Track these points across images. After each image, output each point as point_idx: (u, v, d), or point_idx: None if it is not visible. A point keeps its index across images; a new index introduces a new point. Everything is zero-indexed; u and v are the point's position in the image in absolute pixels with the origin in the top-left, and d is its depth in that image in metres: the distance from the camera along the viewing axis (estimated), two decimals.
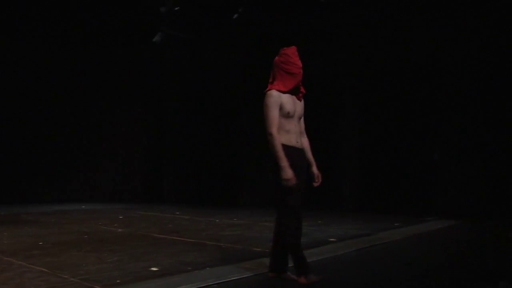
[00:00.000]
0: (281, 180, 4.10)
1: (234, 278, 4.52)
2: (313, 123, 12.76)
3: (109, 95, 15.87)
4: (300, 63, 4.34)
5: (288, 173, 4.08)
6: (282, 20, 12.19)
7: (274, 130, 4.18)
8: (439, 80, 10.25)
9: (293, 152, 4.24)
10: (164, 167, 15.72)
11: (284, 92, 4.27)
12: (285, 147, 4.19)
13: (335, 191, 11.52)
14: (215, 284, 4.32)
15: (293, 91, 4.35)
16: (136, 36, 14.00)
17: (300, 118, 4.46)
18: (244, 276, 4.62)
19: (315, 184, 4.52)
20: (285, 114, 4.25)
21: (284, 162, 4.10)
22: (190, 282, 4.35)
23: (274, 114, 4.21)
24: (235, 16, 11.64)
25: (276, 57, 4.41)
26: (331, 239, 6.97)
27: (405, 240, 6.99)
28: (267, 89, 4.34)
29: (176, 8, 11.83)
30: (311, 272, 4.25)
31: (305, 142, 4.52)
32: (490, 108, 9.81)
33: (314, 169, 4.53)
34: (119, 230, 8.37)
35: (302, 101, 4.47)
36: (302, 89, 4.43)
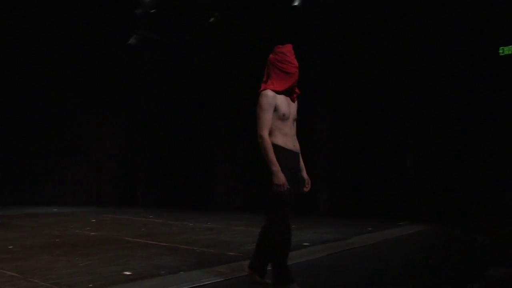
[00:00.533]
0: (272, 185, 3.87)
1: (207, 282, 4.51)
2: None
3: (82, 98, 15.68)
4: (296, 62, 4.12)
5: (280, 178, 3.85)
6: (259, 24, 12.25)
7: (265, 132, 3.93)
8: (411, 87, 10.40)
9: (291, 156, 4.06)
10: (138, 170, 15.61)
11: (279, 93, 4.02)
12: (283, 150, 3.98)
13: (309, 196, 11.56)
14: None
15: (288, 92, 4.10)
16: (112, 38, 13.89)
17: (294, 120, 4.21)
18: (218, 280, 4.61)
19: (306, 190, 4.37)
20: (280, 116, 4.00)
21: (276, 166, 3.86)
22: (163, 286, 4.34)
23: (267, 116, 3.95)
24: (211, 19, 11.64)
25: (271, 55, 4.18)
26: (305, 244, 7.01)
27: (377, 245, 7.07)
28: (261, 88, 4.09)
29: (152, 11, 11.78)
30: (292, 283, 4.03)
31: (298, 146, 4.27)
32: (459, 115, 10.01)
33: (304, 174, 4.36)
34: (92, 233, 8.28)
35: (296, 103, 4.24)
36: (297, 90, 4.21)
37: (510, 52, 9.35)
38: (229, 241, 7.28)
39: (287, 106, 4.06)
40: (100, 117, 15.96)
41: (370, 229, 8.63)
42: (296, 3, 9.63)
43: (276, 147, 3.96)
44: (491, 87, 9.69)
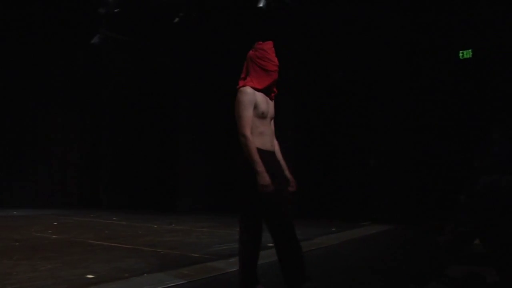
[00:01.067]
0: (258, 186, 3.64)
1: (171, 285, 4.49)
2: None
3: (45, 98, 15.39)
4: (276, 60, 3.95)
5: (265, 178, 3.63)
6: (222, 25, 12.26)
7: (247, 131, 3.72)
8: (375, 90, 10.56)
9: (268, 157, 3.83)
10: (101, 172, 15.39)
11: (258, 90, 3.84)
12: (260, 152, 3.74)
13: None
14: None
15: (267, 90, 3.93)
16: (74, 37, 13.67)
17: (271, 120, 4.04)
18: (182, 282, 4.59)
19: (291, 189, 4.11)
20: (259, 114, 3.81)
21: (261, 167, 3.65)
22: None
23: (248, 113, 3.74)
24: (176, 20, 11.58)
25: (251, 52, 3.99)
26: (269, 244, 7.01)
27: (340, 245, 7.16)
28: (240, 85, 3.90)
29: (115, 10, 11.65)
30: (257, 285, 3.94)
31: (276, 145, 4.11)
32: (421, 117, 10.21)
33: (287, 173, 4.12)
34: (53, 236, 8.12)
35: (273, 102, 4.07)
36: (275, 89, 4.06)
37: (469, 56, 9.60)
38: (194, 243, 7.26)
39: (266, 104, 3.90)
40: (63, 117, 15.68)
41: (333, 229, 8.73)
42: (261, 5, 9.65)
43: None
44: (451, 90, 9.92)
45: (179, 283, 4.56)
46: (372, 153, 10.54)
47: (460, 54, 9.68)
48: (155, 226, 9.52)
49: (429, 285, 4.51)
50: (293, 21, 11.36)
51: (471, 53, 9.60)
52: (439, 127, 10.05)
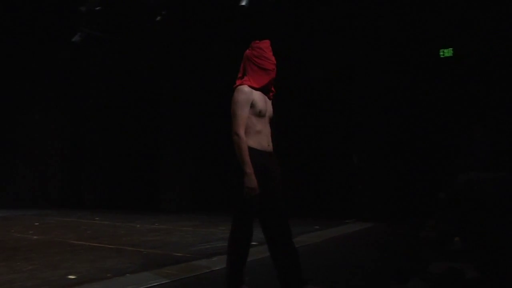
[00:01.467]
0: (243, 187, 3.64)
1: (154, 284, 4.47)
2: (228, 129, 12.92)
3: (25, 97, 15.22)
4: (274, 59, 3.93)
5: (252, 181, 3.61)
6: (204, 24, 12.23)
7: (241, 131, 3.69)
8: (358, 88, 10.61)
9: (263, 157, 3.80)
10: (83, 172, 15.27)
11: (255, 89, 3.81)
12: (255, 151, 3.73)
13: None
14: None
15: (265, 89, 3.91)
16: (54, 35, 13.53)
17: (269, 119, 4.02)
18: (165, 281, 4.58)
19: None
20: (257, 113, 3.78)
21: (249, 169, 3.62)
22: None
23: (243, 113, 3.71)
24: (158, 18, 11.52)
25: (248, 50, 3.96)
26: (253, 243, 7.03)
27: (324, 243, 7.19)
28: (237, 84, 3.87)
29: (97, 8, 11.55)
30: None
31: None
32: (404, 115, 10.30)
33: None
34: (35, 237, 8.04)
35: (271, 101, 4.06)
36: (273, 88, 4.03)
37: (450, 55, 9.70)
38: (177, 242, 7.24)
39: (264, 103, 3.87)
40: (44, 117, 15.52)
41: (317, 227, 8.76)
42: (243, 3, 9.64)
43: (249, 149, 3.71)
44: (433, 88, 10.02)
45: (162, 282, 4.55)
46: (356, 152, 10.60)
47: (441, 53, 9.78)
48: (138, 226, 9.47)
49: (411, 281, 4.55)
50: (275, 19, 11.37)
51: (452, 52, 9.70)
52: (421, 125, 10.15)
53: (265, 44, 3.95)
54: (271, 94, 4.03)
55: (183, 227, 9.15)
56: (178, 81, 13.17)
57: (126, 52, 13.89)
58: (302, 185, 11.33)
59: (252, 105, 3.75)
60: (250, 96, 3.75)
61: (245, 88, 3.77)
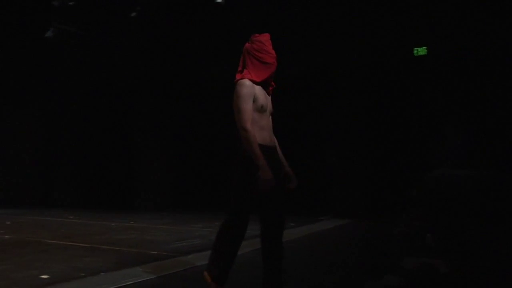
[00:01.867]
0: (259, 181, 3.50)
1: (129, 283, 4.45)
2: (204, 126, 12.90)
3: None
4: (274, 53, 3.84)
5: (268, 173, 3.48)
6: (178, 21, 12.19)
7: (248, 124, 3.57)
8: (333, 86, 10.69)
9: (268, 152, 3.68)
10: (56, 169, 15.04)
11: (256, 83, 3.71)
12: (260, 147, 3.60)
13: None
14: None
15: (265, 83, 3.81)
16: (27, 31, 13.30)
17: (270, 114, 3.92)
18: (140, 280, 4.56)
19: (291, 186, 3.97)
20: (258, 108, 3.68)
21: (263, 161, 3.50)
22: None
23: (248, 107, 3.60)
24: (133, 14, 11.43)
25: (248, 44, 3.85)
26: None
27: (299, 239, 7.24)
28: (237, 78, 3.77)
29: (70, 3, 11.40)
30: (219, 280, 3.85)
31: (275, 141, 3.97)
32: (378, 114, 10.41)
33: (288, 169, 3.98)
34: (6, 236, 7.89)
35: (270, 96, 3.96)
36: (273, 83, 3.94)
37: (424, 53, 9.84)
38: (152, 240, 7.21)
39: (265, 97, 3.78)
40: (15, 114, 15.24)
41: (292, 224, 8.81)
42: (219, 0, 9.63)
43: None
44: (407, 86, 10.15)
45: (137, 281, 4.53)
46: (330, 150, 10.68)
47: (415, 51, 9.91)
48: (113, 224, 9.39)
49: (385, 277, 4.61)
50: (251, 15, 11.38)
51: (425, 51, 9.83)
52: (394, 123, 10.28)
53: (265, 37, 3.86)
54: (270, 88, 3.94)
55: (158, 225, 9.10)
56: (154, 79, 13.09)
57: (101, 48, 13.73)
58: None
59: (254, 100, 3.66)
60: (252, 90, 3.65)
61: (247, 82, 3.67)
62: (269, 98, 3.91)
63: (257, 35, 3.86)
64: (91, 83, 14.36)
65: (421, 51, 9.82)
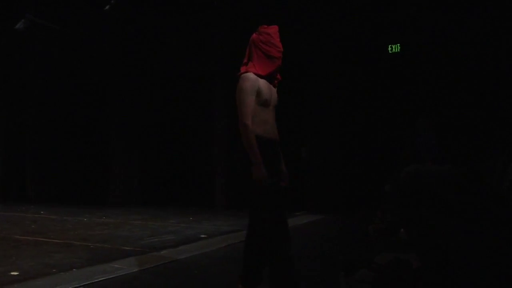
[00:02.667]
0: (253, 179, 3.44)
1: (102, 279, 4.40)
2: (182, 123, 12.83)
3: None
4: (281, 46, 3.70)
5: (261, 171, 3.42)
6: (152, 14, 12.10)
7: (249, 120, 3.49)
8: (308, 83, 10.72)
9: (271, 146, 3.61)
10: (27, 164, 14.79)
11: (261, 77, 3.60)
12: (263, 140, 3.54)
13: (207, 189, 11.66)
14: (81, 286, 4.18)
15: (270, 77, 3.69)
16: None
17: (274, 108, 3.79)
18: (112, 276, 4.51)
19: (283, 184, 3.79)
20: (262, 102, 3.58)
21: (258, 158, 3.43)
22: (54, 285, 4.17)
23: (249, 101, 3.51)
24: (107, 7, 11.29)
25: (255, 35, 3.71)
26: (202, 236, 7.05)
27: None
28: (241, 71, 3.66)
29: None
30: None
31: (277, 135, 3.83)
32: (353, 109, 10.48)
33: (283, 167, 3.84)
34: None
35: (275, 89, 3.83)
36: (279, 76, 3.82)
37: (398, 50, 9.94)
38: (126, 236, 7.14)
39: (269, 91, 3.66)
40: None
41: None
42: None
43: (257, 138, 3.51)
44: (380, 83, 10.24)
45: (110, 277, 4.48)
46: (305, 145, 10.72)
47: (389, 48, 10.00)
48: (85, 220, 9.28)
49: (359, 272, 4.63)
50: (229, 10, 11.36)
51: (399, 47, 9.93)
52: (368, 119, 10.36)
53: (273, 30, 3.73)
54: (276, 82, 3.80)
55: (132, 220, 9.03)
56: (126, 73, 12.95)
57: (73, 41, 13.53)
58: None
59: (258, 94, 3.55)
60: (256, 83, 3.55)
61: (251, 75, 3.56)
62: (274, 90, 3.79)
63: (265, 26, 3.74)
64: (63, 77, 14.15)
65: (395, 48, 9.92)
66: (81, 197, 13.55)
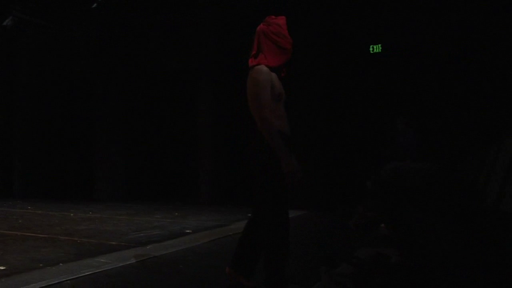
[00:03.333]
0: (284, 173, 3.27)
1: (88, 273, 4.49)
2: (167, 119, 12.90)
3: None
4: (291, 38, 3.55)
5: (292, 164, 3.26)
6: (139, 12, 12.14)
7: (268, 113, 3.31)
8: (291, 81, 10.80)
9: (287, 143, 3.43)
10: (14, 159, 14.76)
11: (271, 69, 3.45)
12: (281, 135, 3.37)
13: (191, 185, 11.76)
14: (67, 280, 4.26)
15: (278, 69, 3.53)
16: None
17: (284, 102, 3.63)
18: (98, 270, 4.60)
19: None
20: (276, 96, 3.41)
21: (285, 151, 3.26)
22: (41, 280, 4.24)
23: (266, 94, 3.33)
24: (94, 5, 11.31)
25: (263, 26, 3.54)
26: (187, 231, 7.16)
27: None
28: (251, 63, 3.50)
29: None
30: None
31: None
32: (336, 108, 10.62)
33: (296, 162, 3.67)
34: None
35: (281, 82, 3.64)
36: (285, 69, 3.65)
37: (379, 50, 10.09)
38: (112, 231, 7.24)
39: (280, 85, 3.50)
40: None
41: (250, 215, 8.92)
42: None
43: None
44: (362, 83, 10.39)
45: (96, 271, 4.57)
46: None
47: (371, 49, 10.15)
48: (72, 215, 9.34)
49: (340, 267, 4.77)
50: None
51: (380, 48, 10.08)
52: (350, 117, 10.50)
53: (282, 21, 3.57)
54: (282, 75, 3.61)
55: (117, 216, 9.11)
56: (113, 70, 12.97)
57: (60, 38, 13.52)
58: (235, 174, 11.49)
59: (272, 87, 3.39)
60: (269, 76, 3.39)
61: (264, 68, 3.40)
62: (281, 84, 3.59)
63: (273, 17, 3.58)
64: (50, 73, 14.13)
65: (376, 48, 10.06)
66: (68, 192, 13.57)
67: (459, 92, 9.34)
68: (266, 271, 3.46)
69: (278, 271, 3.44)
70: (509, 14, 8.53)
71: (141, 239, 6.41)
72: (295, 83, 10.68)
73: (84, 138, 13.72)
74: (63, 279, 4.27)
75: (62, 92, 14.13)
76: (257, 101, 3.35)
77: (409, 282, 4.40)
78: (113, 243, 6.14)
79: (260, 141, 3.40)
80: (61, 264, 4.91)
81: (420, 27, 9.58)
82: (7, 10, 11.83)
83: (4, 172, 14.81)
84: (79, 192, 13.38)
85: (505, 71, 8.54)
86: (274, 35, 3.47)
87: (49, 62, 14.03)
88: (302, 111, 10.50)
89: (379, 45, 10.05)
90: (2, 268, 4.77)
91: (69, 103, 14.10)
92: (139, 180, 13.05)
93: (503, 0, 8.68)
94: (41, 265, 4.88)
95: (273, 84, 3.40)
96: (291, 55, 3.56)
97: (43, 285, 4.09)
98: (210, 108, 11.63)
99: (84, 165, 13.64)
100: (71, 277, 4.33)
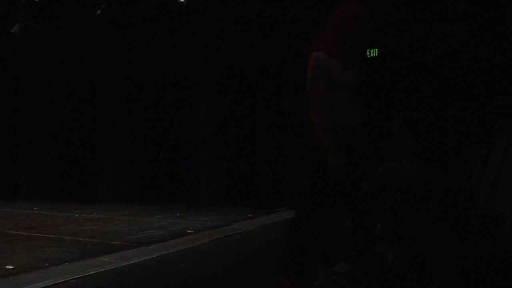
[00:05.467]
0: (329, 168, 3.15)
1: (92, 272, 4.62)
2: (169, 121, 13.03)
3: None
4: (364, 28, 3.26)
5: (337, 158, 3.15)
6: (142, 17, 12.29)
7: (321, 104, 3.19)
8: (286, 82, 10.92)
9: (344, 133, 3.26)
10: (21, 160, 14.93)
11: (331, 55, 3.21)
12: (334, 128, 3.21)
13: (192, 186, 11.89)
14: (73, 279, 4.39)
15: (347, 57, 3.29)
16: None
17: (351, 90, 3.39)
18: (102, 270, 4.73)
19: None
20: (333, 84, 3.20)
21: (334, 146, 3.15)
22: (47, 279, 4.36)
23: (321, 85, 3.18)
24: (98, 11, 11.46)
25: (341, 11, 3.26)
26: (188, 231, 7.28)
27: (256, 230, 7.50)
28: (314, 46, 3.29)
29: None
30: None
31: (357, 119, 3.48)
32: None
33: (364, 154, 3.56)
34: None
35: (353, 68, 3.39)
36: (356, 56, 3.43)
37: (375, 55, 10.20)
38: (115, 231, 7.37)
39: (343, 72, 3.24)
40: None
41: (250, 215, 9.06)
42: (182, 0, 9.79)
43: (327, 128, 3.21)
44: (359, 87, 10.50)
45: (100, 270, 4.70)
46: (286, 143, 10.95)
47: (367, 53, 10.27)
48: (76, 215, 9.49)
49: (337, 265, 4.89)
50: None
51: (376, 52, 10.19)
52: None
53: (368, 10, 3.25)
54: (355, 60, 3.35)
55: (120, 216, 9.24)
56: (116, 72, 13.13)
57: (63, 42, 13.67)
58: (236, 174, 11.63)
59: (329, 76, 3.16)
60: (326, 64, 3.15)
61: (321, 55, 3.17)
62: (351, 72, 3.32)
63: (356, 4, 3.27)
64: (55, 77, 14.29)
65: (373, 52, 10.18)
66: (72, 193, 13.73)
67: (452, 94, 9.45)
68: (284, 259, 3.51)
69: (295, 262, 3.50)
70: (498, 26, 8.64)
71: (143, 239, 6.53)
72: (291, 85, 10.77)
73: (88, 140, 13.88)
74: (69, 278, 4.40)
75: (67, 95, 14.30)
76: (311, 90, 3.20)
77: (404, 280, 4.54)
78: (116, 243, 6.27)
79: (309, 133, 3.30)
80: (66, 263, 5.05)
81: (416, 31, 9.69)
82: (15, 17, 11.99)
83: (11, 174, 14.98)
84: (83, 193, 13.54)
85: (496, 73, 8.65)
86: (351, 20, 3.18)
87: (54, 66, 14.19)
88: (300, 113, 10.61)
89: (375, 49, 10.16)
90: (10, 267, 4.91)
91: (74, 106, 14.27)
92: (141, 181, 13.20)
93: (494, 6, 8.78)
94: (47, 264, 5.01)
95: (332, 71, 3.16)
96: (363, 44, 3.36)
97: (50, 284, 4.23)
98: (210, 110, 11.76)
99: (88, 166, 13.80)
100: (76, 276, 4.46)
